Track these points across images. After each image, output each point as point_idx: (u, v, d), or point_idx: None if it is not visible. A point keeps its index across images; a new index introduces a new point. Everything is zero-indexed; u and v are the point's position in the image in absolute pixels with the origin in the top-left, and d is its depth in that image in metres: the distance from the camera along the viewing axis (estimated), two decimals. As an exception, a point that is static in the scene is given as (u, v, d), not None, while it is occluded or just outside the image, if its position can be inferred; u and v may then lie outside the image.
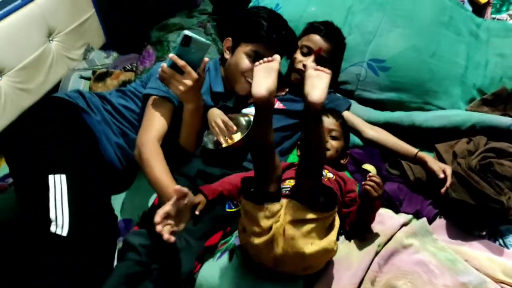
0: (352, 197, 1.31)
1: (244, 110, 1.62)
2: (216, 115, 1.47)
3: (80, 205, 1.27)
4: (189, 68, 1.30)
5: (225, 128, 1.44)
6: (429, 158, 1.44)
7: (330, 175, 1.33)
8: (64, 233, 1.21)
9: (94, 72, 2.19)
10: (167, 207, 1.04)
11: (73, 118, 1.48)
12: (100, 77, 2.14)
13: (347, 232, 1.30)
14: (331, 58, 1.67)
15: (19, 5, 2.01)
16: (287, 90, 1.72)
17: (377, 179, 1.19)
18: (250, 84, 1.54)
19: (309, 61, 1.62)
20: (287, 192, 1.18)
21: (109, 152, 1.51)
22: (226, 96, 1.63)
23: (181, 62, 1.29)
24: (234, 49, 1.59)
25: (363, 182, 1.19)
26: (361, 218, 1.25)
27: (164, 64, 1.30)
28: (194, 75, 1.31)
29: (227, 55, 1.62)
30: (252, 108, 1.62)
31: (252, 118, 1.52)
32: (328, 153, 1.40)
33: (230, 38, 1.62)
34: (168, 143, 1.42)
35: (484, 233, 1.30)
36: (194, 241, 1.28)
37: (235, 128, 1.45)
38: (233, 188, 1.24)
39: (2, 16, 1.92)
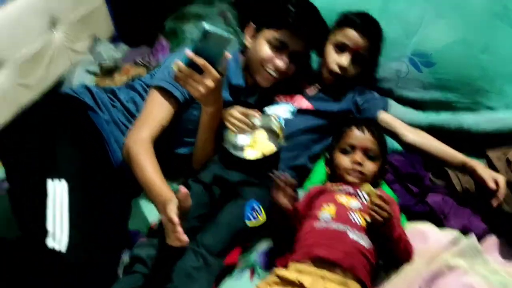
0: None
1: (267, 110, 1.63)
2: (233, 111, 1.46)
3: (82, 217, 1.28)
4: (209, 67, 1.24)
5: (245, 125, 1.43)
6: (480, 165, 1.42)
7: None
8: (63, 249, 1.21)
9: (101, 67, 2.22)
10: (174, 209, 1.10)
11: (78, 116, 1.49)
12: (108, 72, 2.18)
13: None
14: (368, 56, 1.67)
15: (19, -7, 2.06)
16: (317, 88, 1.72)
17: (377, 201, 1.18)
18: (271, 74, 1.56)
19: (345, 60, 1.61)
20: (327, 220, 1.22)
21: (118, 155, 1.51)
22: (247, 91, 1.63)
23: (200, 61, 1.23)
24: (257, 36, 1.59)
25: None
26: (386, 248, 1.25)
27: (180, 62, 1.25)
28: (216, 74, 1.26)
29: (248, 44, 1.62)
30: (276, 106, 1.65)
31: (281, 121, 1.53)
32: (363, 177, 1.39)
33: (253, 25, 1.62)
34: (161, 146, 1.42)
35: (542, 253, 1.28)
36: (212, 259, 1.29)
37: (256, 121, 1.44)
38: None
39: (1, 3, 1.96)
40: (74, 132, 1.45)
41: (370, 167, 1.41)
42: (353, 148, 1.42)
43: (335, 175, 1.45)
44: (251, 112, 1.44)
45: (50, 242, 1.21)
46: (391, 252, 1.26)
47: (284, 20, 1.52)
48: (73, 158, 1.38)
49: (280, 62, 1.54)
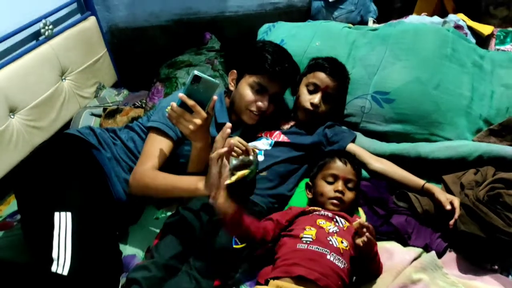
0: None
1: (251, 144, 1.61)
2: (232, 139, 1.45)
3: (83, 244, 1.25)
4: (198, 108, 1.29)
5: (243, 151, 1.43)
6: (437, 189, 1.41)
7: (347, 224, 1.30)
8: (65, 273, 1.18)
9: (104, 109, 2.22)
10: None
11: (83, 154, 1.48)
12: (110, 114, 2.17)
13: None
14: (337, 94, 1.69)
15: (34, 46, 2.07)
16: (292, 123, 1.72)
17: (368, 233, 1.17)
18: (255, 114, 1.58)
19: (316, 98, 1.63)
20: (308, 242, 1.20)
21: (118, 188, 1.50)
22: (232, 127, 1.62)
23: (190, 102, 1.27)
24: (239, 81, 1.62)
25: (356, 239, 1.18)
26: (364, 267, 1.23)
27: (174, 103, 1.30)
28: (203, 114, 1.30)
29: (231, 87, 1.65)
30: (260, 141, 1.64)
31: (260, 153, 1.51)
32: (342, 206, 1.37)
33: (235, 70, 1.65)
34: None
35: (496, 266, 1.25)
36: (204, 281, 1.25)
37: (250, 157, 1.43)
38: (258, 230, 1.26)
39: (17, 57, 1.98)
40: (79, 168, 1.44)
41: (349, 196, 1.38)
42: (336, 178, 1.40)
43: (316, 201, 1.43)
44: (249, 146, 1.47)
45: (54, 267, 1.19)
46: (367, 267, 1.23)
47: (262, 67, 1.55)
48: (77, 192, 1.36)
49: (262, 104, 1.57)
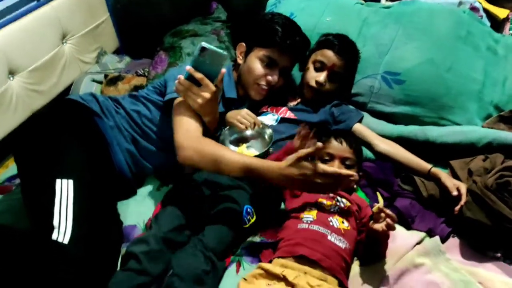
0: (364, 223, 1.26)
1: (258, 118, 1.59)
2: (240, 111, 1.45)
3: (84, 213, 1.23)
4: (206, 81, 1.25)
5: (249, 122, 1.40)
6: (443, 174, 1.39)
7: (348, 203, 1.29)
8: (66, 241, 1.16)
9: (106, 76, 2.18)
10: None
11: (85, 122, 1.46)
12: (112, 81, 2.13)
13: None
14: (344, 73, 1.66)
15: (34, 7, 2.01)
16: (299, 100, 1.70)
17: (390, 217, 1.14)
18: (264, 89, 1.55)
19: (322, 77, 1.60)
20: (309, 221, 1.21)
21: (119, 158, 1.48)
22: (239, 102, 1.62)
23: (198, 75, 1.24)
24: (247, 54, 1.59)
25: (372, 224, 1.15)
26: (374, 251, 1.22)
27: (181, 76, 1.26)
28: (212, 87, 1.26)
29: (240, 60, 1.62)
30: (266, 116, 1.61)
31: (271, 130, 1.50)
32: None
33: (243, 43, 1.62)
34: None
35: (499, 254, 1.24)
36: (219, 262, 1.22)
37: (262, 128, 1.42)
38: None
39: (16, 17, 1.92)
40: (81, 135, 1.40)
41: None
42: (332, 157, 1.38)
43: None
44: (257, 120, 1.46)
45: (55, 235, 1.16)
46: (374, 251, 1.22)
47: (273, 40, 1.53)
48: (79, 160, 1.33)
49: (272, 78, 1.56)
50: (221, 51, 1.25)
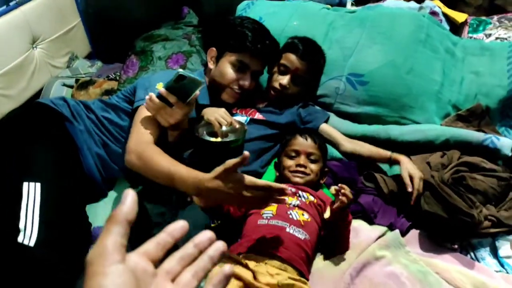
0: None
1: None
2: (218, 109, 1.44)
3: (51, 216, 1.23)
4: (180, 104, 1.25)
5: (226, 121, 1.40)
6: (403, 158, 1.45)
7: (311, 198, 1.33)
8: (31, 243, 1.15)
9: (77, 80, 2.17)
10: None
11: (55, 126, 1.45)
12: (83, 85, 2.12)
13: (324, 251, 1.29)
14: (308, 77, 1.69)
15: (4, 11, 1.99)
16: (266, 102, 1.72)
17: (347, 189, 1.18)
18: (236, 92, 1.57)
19: (285, 80, 1.64)
20: (269, 217, 1.24)
21: (89, 162, 1.48)
22: (210, 106, 1.60)
23: (172, 98, 1.24)
24: (219, 59, 1.60)
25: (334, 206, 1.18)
26: (336, 233, 1.25)
27: (152, 94, 1.25)
28: (185, 109, 1.27)
29: (211, 65, 1.62)
30: (238, 117, 1.63)
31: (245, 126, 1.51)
32: (308, 177, 1.40)
33: (214, 48, 1.63)
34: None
35: (456, 246, 1.30)
36: None
37: (237, 125, 1.42)
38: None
39: (-15, 22, 1.90)
40: (50, 139, 1.40)
41: (312, 167, 1.41)
42: (298, 153, 1.43)
43: (282, 177, 1.45)
44: (232, 119, 1.45)
45: (20, 238, 1.15)
46: (337, 242, 1.25)
47: (243, 44, 1.55)
48: (47, 163, 1.33)
49: (244, 82, 1.57)
50: (197, 78, 1.23)
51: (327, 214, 1.23)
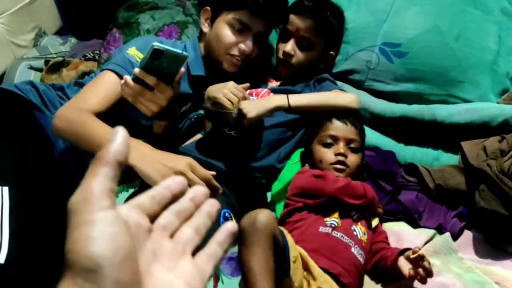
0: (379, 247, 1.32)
1: None
2: (227, 84, 1.43)
3: (23, 225, 1.25)
4: (162, 85, 1.24)
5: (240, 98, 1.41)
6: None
7: (365, 238, 1.32)
8: (1, 260, 1.17)
9: (46, 62, 2.20)
10: None
11: (22, 116, 1.47)
12: (54, 67, 2.16)
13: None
14: (314, 38, 1.67)
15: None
16: (280, 81, 1.75)
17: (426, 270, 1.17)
18: (238, 59, 1.58)
19: (289, 46, 1.65)
20: (333, 226, 1.26)
21: (65, 157, 1.50)
22: (208, 80, 1.61)
23: (151, 79, 1.22)
24: (214, 20, 1.61)
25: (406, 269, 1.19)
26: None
27: (128, 77, 1.23)
28: (169, 91, 1.27)
29: (205, 28, 1.64)
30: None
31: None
32: (347, 171, 1.40)
33: (208, 8, 1.64)
34: None
35: (519, 250, 1.33)
36: None
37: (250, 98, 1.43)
38: None
39: None
40: (17, 133, 1.42)
41: (353, 159, 1.42)
42: (336, 139, 1.43)
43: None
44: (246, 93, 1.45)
45: None
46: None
47: (243, 0, 1.55)
48: (16, 162, 1.35)
49: (245, 46, 1.57)
50: (179, 51, 1.21)
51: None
